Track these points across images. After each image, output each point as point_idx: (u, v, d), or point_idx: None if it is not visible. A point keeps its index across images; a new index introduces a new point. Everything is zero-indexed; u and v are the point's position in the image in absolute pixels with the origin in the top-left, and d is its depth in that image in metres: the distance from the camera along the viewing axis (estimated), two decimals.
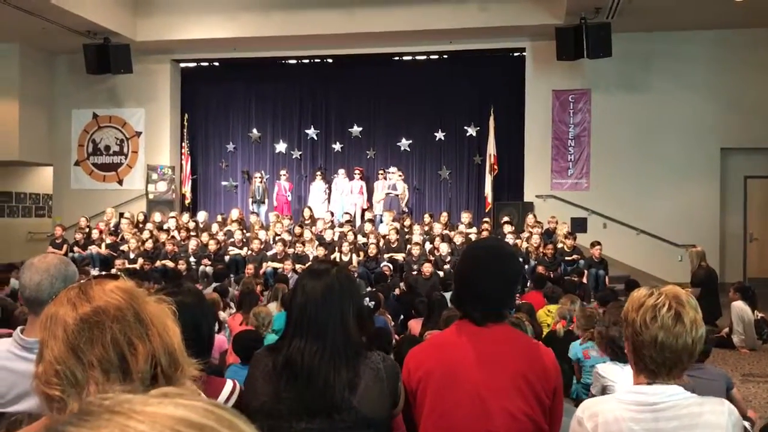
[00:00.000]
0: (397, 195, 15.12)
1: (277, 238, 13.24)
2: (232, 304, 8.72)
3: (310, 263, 10.67)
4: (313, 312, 2.14)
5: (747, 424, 3.60)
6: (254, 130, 17.37)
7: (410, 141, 16.58)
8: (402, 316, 8.97)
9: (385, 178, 15.58)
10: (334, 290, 2.18)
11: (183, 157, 16.87)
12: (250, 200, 15.88)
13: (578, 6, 12.83)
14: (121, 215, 15.44)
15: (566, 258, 12.20)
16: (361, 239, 13.35)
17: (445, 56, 16.03)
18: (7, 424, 1.78)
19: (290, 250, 12.76)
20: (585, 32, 13.11)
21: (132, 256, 12.83)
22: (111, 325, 1.23)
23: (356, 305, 2.24)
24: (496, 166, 15.13)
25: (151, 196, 16.58)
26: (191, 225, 14.45)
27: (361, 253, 12.70)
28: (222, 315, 7.51)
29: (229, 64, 17.12)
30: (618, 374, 4.22)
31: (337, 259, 12.28)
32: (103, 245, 13.53)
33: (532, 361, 2.21)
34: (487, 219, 14.31)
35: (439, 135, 16.37)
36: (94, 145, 17.26)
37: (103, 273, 11.31)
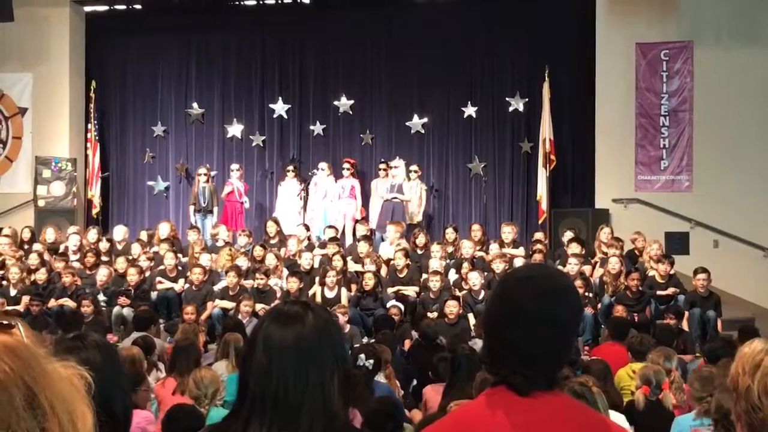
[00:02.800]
0: (402, 201, 15.12)
1: (228, 265, 13.25)
2: (160, 365, 8.74)
3: (275, 303, 10.68)
4: (282, 382, 2.13)
5: None
6: (195, 105, 17.44)
7: (425, 119, 16.63)
8: (415, 381, 8.98)
9: (388, 174, 15.61)
10: (311, 347, 2.17)
11: (89, 145, 16.93)
12: (192, 208, 15.91)
13: None
14: None
15: (659, 293, 12.18)
16: (353, 266, 13.36)
17: None
18: None
19: (248, 283, 12.76)
20: None
21: (14, 292, 12.84)
22: None
23: (342, 368, 2.25)
24: (553, 157, 15.16)
25: (42, 203, 16.63)
26: (103, 246, 14.48)
27: (354, 287, 12.70)
28: (148, 380, 7.53)
29: (157, 8, 17.19)
30: None
31: (318, 295, 12.31)
32: None
33: None
34: (540, 234, 14.32)
35: (469, 110, 16.42)
36: None
37: None
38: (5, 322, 1.30)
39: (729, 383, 1.98)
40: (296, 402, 2.12)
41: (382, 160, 16.09)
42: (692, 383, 6.02)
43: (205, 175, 15.90)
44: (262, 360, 2.16)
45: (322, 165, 15.94)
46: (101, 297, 12.65)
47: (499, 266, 12.48)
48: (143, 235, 15.08)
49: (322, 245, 14.32)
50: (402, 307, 12.09)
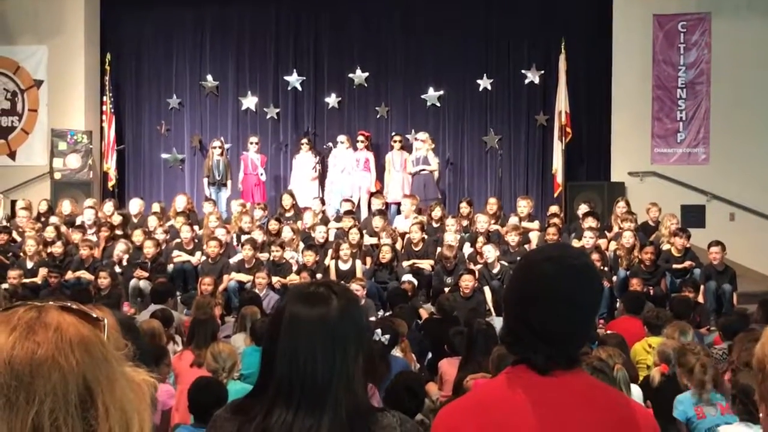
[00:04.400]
0: (430, 172, 15.13)
1: (244, 237, 13.29)
2: (177, 337, 8.79)
3: (295, 283, 10.70)
4: (310, 365, 2.14)
5: None
6: (209, 77, 17.43)
7: (441, 92, 16.59)
8: (430, 354, 9.01)
9: (403, 148, 15.57)
10: (336, 330, 2.18)
11: (105, 117, 16.96)
12: (206, 181, 15.95)
13: None
14: (14, 204, 15.55)
15: (674, 266, 12.16)
16: (368, 239, 13.39)
17: None
18: None
19: (263, 256, 12.81)
20: None
21: (30, 264, 12.91)
22: (44, 397, 1.16)
23: (366, 349, 2.27)
24: (569, 129, 15.11)
25: (58, 176, 16.70)
26: (117, 219, 14.53)
27: (369, 260, 12.73)
28: (168, 353, 7.59)
29: None
30: None
31: (332, 268, 12.36)
32: None
33: (620, 426, 2.23)
34: (556, 208, 14.31)
35: (485, 83, 16.36)
36: None
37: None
38: (95, 315, 1.29)
39: (754, 363, 1.97)
40: (323, 385, 2.14)
41: (394, 132, 16.06)
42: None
43: (219, 147, 15.91)
44: (289, 342, 2.18)
45: (341, 138, 15.92)
46: (118, 269, 12.71)
47: (513, 239, 12.52)
48: (156, 208, 15.08)
49: (338, 219, 14.34)
50: (416, 282, 12.13)
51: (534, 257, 2.45)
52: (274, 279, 12.07)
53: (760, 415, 1.98)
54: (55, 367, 1.17)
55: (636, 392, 5.81)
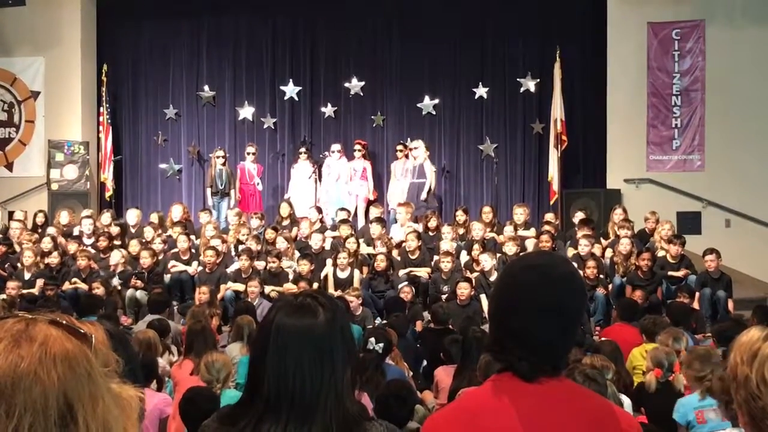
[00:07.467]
0: (425, 183, 15.09)
1: (241, 247, 13.30)
2: (174, 348, 8.79)
3: (281, 295, 10.68)
4: (298, 380, 2.15)
5: None
6: (206, 88, 17.45)
7: (436, 101, 16.61)
8: (425, 362, 9.03)
9: (407, 157, 15.55)
10: (324, 343, 2.19)
11: (102, 128, 16.97)
12: (209, 191, 15.95)
13: None
14: (11, 215, 15.55)
15: (671, 274, 12.18)
16: (364, 248, 13.40)
17: None
18: None
19: (260, 265, 12.82)
20: None
21: (28, 275, 12.91)
22: (23, 411, 1.16)
23: (354, 360, 2.28)
24: (565, 137, 15.15)
25: (55, 187, 16.70)
26: (115, 229, 14.54)
27: (365, 269, 12.75)
28: (161, 362, 7.59)
29: None
30: None
31: (330, 277, 12.36)
32: None
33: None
34: (551, 215, 14.33)
35: (480, 91, 16.39)
36: None
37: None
38: (83, 330, 1.29)
39: (728, 372, 1.99)
40: (312, 400, 2.15)
41: (401, 142, 16.06)
42: (691, 363, 6.01)
43: (222, 157, 15.89)
44: (277, 355, 2.18)
45: (335, 147, 15.94)
46: (115, 280, 12.70)
47: (511, 249, 12.49)
48: (154, 218, 15.08)
49: (334, 227, 14.35)
50: (412, 288, 12.12)
51: (518, 265, 2.47)
52: (269, 288, 12.06)
53: (740, 423, 1.99)
54: (36, 382, 1.17)
55: (626, 403, 5.81)
